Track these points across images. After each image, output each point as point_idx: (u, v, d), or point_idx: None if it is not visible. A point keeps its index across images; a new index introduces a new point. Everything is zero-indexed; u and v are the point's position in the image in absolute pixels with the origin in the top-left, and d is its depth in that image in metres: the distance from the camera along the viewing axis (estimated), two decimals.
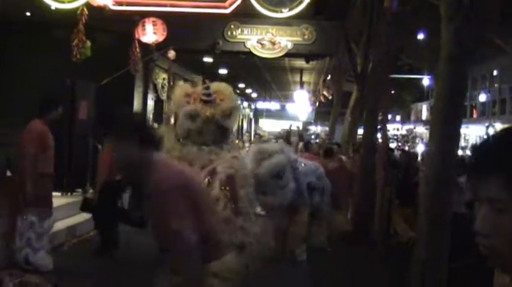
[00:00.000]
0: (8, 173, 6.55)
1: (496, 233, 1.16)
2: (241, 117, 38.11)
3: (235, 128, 5.63)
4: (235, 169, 4.59)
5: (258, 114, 42.45)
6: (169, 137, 4.74)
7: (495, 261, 1.21)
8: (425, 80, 31.31)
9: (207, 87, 4.73)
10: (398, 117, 62.99)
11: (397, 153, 16.03)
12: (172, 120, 5.16)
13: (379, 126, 10.13)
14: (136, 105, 11.80)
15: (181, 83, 4.65)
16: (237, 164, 4.70)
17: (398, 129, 58.97)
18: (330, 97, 23.44)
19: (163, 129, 5.53)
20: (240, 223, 4.40)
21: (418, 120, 58.57)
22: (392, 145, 31.16)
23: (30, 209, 6.01)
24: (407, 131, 56.90)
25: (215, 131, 4.70)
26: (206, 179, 4.44)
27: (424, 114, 56.19)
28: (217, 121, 4.65)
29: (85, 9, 8.07)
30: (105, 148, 7.90)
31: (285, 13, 6.99)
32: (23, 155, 5.86)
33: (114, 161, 7.60)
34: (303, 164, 7.74)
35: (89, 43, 8.50)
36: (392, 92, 38.68)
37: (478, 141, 1.37)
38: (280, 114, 37.29)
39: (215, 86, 4.92)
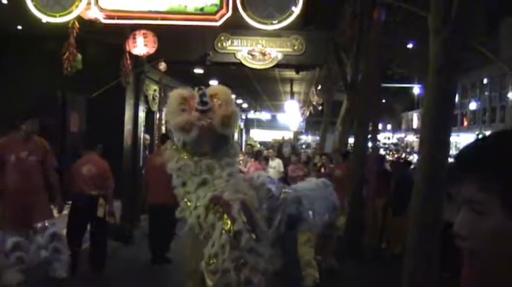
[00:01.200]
0: None
1: (474, 235, 1.16)
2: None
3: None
4: (243, 193, 4.48)
5: (249, 124, 42.50)
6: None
7: (473, 263, 1.22)
8: (416, 89, 31.59)
9: (203, 95, 4.45)
10: (389, 126, 63.26)
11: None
12: (163, 130, 5.14)
13: (369, 136, 10.20)
14: (128, 117, 11.81)
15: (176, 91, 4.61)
16: (241, 186, 4.60)
17: (389, 138, 59.21)
18: (320, 107, 23.54)
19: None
20: (261, 250, 4.34)
21: (409, 129, 58.91)
22: (383, 154, 31.34)
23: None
24: (398, 140, 57.14)
25: (214, 139, 4.54)
26: (214, 208, 4.41)
27: (415, 123, 56.52)
28: (215, 131, 4.44)
29: (76, 23, 8.10)
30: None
31: (275, 25, 7.05)
32: None
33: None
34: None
35: (79, 56, 8.53)
36: (383, 101, 39.01)
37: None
38: (271, 125, 37.36)
39: (212, 89, 4.71)
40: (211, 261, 4.29)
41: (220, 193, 4.49)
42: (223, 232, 4.30)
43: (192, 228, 4.52)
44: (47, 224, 6.41)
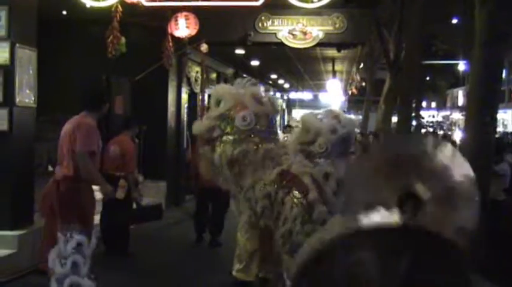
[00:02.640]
0: (50, 168, 6.55)
1: None
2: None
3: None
4: (309, 166, 4.75)
5: (290, 104, 42.41)
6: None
7: None
8: (461, 65, 30.76)
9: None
10: (433, 104, 62.09)
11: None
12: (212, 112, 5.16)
13: (413, 114, 10.08)
14: (171, 98, 11.95)
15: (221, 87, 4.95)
16: (305, 162, 4.89)
17: (434, 116, 58.14)
18: (364, 84, 23.28)
19: None
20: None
21: (454, 106, 57.62)
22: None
23: (75, 224, 5.15)
24: (444, 118, 56.05)
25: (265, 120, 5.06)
26: (282, 183, 4.55)
27: (461, 101, 55.22)
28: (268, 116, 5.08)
29: (119, 6, 8.21)
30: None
31: (316, 3, 7.00)
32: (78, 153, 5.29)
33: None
34: None
35: (123, 39, 8.65)
36: (427, 78, 38.28)
37: None
38: (313, 104, 37.13)
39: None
40: (286, 242, 4.39)
41: (287, 167, 4.68)
42: (294, 205, 4.40)
43: (255, 212, 4.66)
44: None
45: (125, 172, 7.47)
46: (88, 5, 7.54)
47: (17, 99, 6.67)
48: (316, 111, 6.87)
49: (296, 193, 4.45)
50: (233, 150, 4.82)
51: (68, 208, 5.20)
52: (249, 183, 4.75)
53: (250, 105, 4.95)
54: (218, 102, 5.05)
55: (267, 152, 4.87)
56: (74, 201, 5.25)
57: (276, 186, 4.56)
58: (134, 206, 8.06)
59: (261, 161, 4.78)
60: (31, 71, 6.96)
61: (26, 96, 6.83)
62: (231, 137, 4.88)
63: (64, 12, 10.97)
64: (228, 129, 4.89)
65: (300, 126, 6.91)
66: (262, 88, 5.52)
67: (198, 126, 5.20)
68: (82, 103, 5.63)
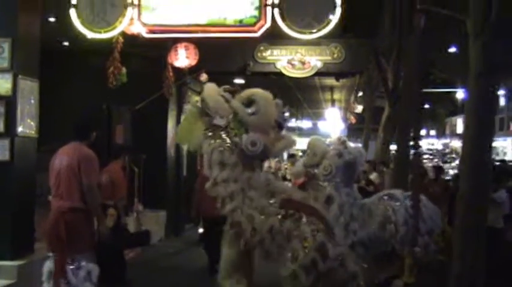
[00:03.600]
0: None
1: None
2: None
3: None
4: (309, 193, 4.62)
5: (290, 133, 42.51)
6: None
7: None
8: (460, 93, 30.93)
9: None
10: (432, 132, 62.27)
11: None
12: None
13: (411, 142, 10.10)
14: (171, 127, 12.03)
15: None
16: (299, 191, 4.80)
17: (433, 144, 58.25)
18: (356, 114, 23.39)
19: None
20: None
21: (453, 134, 57.83)
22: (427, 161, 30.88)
23: (85, 253, 5.34)
24: (443, 146, 56.17)
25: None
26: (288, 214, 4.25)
27: (460, 128, 55.42)
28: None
29: (120, 38, 8.34)
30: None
31: (313, 34, 7.12)
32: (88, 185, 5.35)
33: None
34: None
35: (124, 70, 8.77)
36: (426, 106, 38.43)
37: None
38: (312, 133, 37.20)
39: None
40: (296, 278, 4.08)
41: (287, 196, 4.44)
42: (309, 237, 4.12)
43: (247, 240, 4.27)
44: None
45: (115, 200, 7.50)
46: (89, 36, 7.66)
47: (19, 130, 6.74)
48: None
49: (304, 225, 4.17)
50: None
51: (78, 238, 5.27)
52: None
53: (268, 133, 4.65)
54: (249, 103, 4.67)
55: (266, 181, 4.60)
56: (82, 231, 5.32)
57: (280, 217, 4.26)
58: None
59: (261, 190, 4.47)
60: (33, 102, 7.04)
61: (27, 126, 6.91)
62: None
63: (65, 43, 11.13)
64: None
65: (308, 150, 6.99)
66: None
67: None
68: (71, 132, 5.71)
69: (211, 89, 4.70)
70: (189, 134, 4.70)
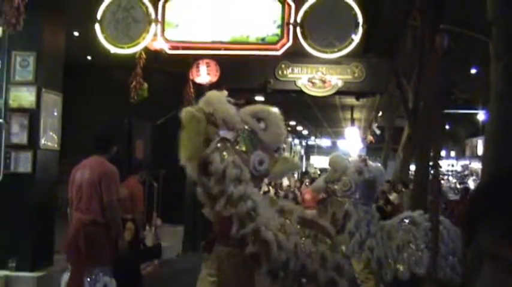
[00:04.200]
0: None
1: None
2: (292, 154, 38.26)
3: None
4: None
5: (309, 151, 42.46)
6: None
7: None
8: (481, 115, 30.66)
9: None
10: (452, 153, 61.67)
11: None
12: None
13: (431, 163, 10.02)
14: None
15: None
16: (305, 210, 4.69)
17: (453, 165, 57.64)
18: (378, 133, 23.31)
19: None
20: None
21: (474, 155, 57.13)
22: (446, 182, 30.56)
23: (102, 266, 5.45)
24: (462, 167, 55.56)
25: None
26: (309, 233, 4.15)
27: (480, 150, 54.74)
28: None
29: (143, 53, 8.44)
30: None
31: (335, 53, 7.14)
32: (108, 200, 5.49)
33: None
34: None
35: (146, 85, 8.85)
36: (447, 127, 38.16)
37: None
38: (331, 151, 37.06)
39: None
40: None
41: (303, 214, 4.28)
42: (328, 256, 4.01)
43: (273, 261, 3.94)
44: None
45: (133, 214, 7.54)
46: (112, 51, 7.76)
47: (42, 142, 6.83)
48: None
49: (323, 244, 4.08)
50: None
51: (96, 251, 5.35)
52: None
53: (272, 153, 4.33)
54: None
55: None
56: (101, 245, 5.38)
57: (300, 235, 4.06)
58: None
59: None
60: (56, 115, 7.14)
61: (50, 139, 7.00)
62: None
63: (89, 58, 11.29)
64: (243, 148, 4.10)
65: (329, 166, 6.97)
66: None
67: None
68: (92, 146, 5.79)
69: (221, 97, 4.19)
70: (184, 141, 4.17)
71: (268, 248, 3.87)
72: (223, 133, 4.01)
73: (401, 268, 6.30)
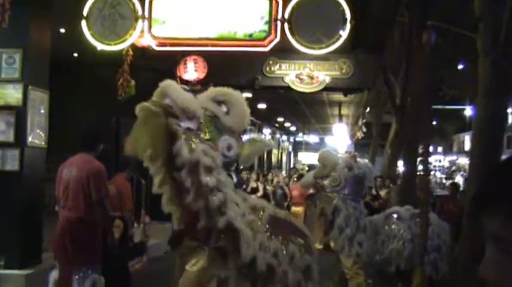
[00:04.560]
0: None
1: (503, 279, 0.92)
2: (280, 150, 38.28)
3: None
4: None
5: (297, 147, 42.51)
6: None
7: None
8: (468, 110, 30.84)
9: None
10: (440, 149, 62.02)
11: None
12: None
13: (419, 159, 10.07)
14: None
15: None
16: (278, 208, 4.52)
17: (440, 161, 58.00)
18: (365, 129, 23.40)
19: None
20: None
21: (461, 151, 57.48)
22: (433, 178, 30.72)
23: (91, 264, 5.42)
24: (450, 163, 55.91)
25: None
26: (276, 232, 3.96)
27: (467, 145, 55.07)
28: None
29: (130, 50, 8.39)
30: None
31: (323, 49, 7.14)
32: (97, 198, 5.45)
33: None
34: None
35: (133, 82, 8.81)
36: (434, 122, 38.38)
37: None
38: (319, 147, 37.17)
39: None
40: None
41: (275, 213, 4.08)
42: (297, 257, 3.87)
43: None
44: None
45: (121, 212, 7.50)
46: (99, 48, 7.72)
47: (29, 140, 6.78)
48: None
49: (294, 245, 3.91)
50: None
51: (84, 249, 5.33)
52: None
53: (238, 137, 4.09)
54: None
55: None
56: (89, 242, 5.36)
57: (268, 234, 3.90)
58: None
59: None
60: (42, 112, 7.09)
61: (37, 137, 6.95)
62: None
63: (75, 55, 11.21)
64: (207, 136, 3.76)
65: (318, 162, 6.99)
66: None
67: None
68: (79, 143, 5.75)
69: (176, 86, 3.80)
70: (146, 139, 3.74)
71: (238, 241, 3.69)
72: (184, 124, 3.66)
73: (385, 264, 6.35)
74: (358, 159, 6.82)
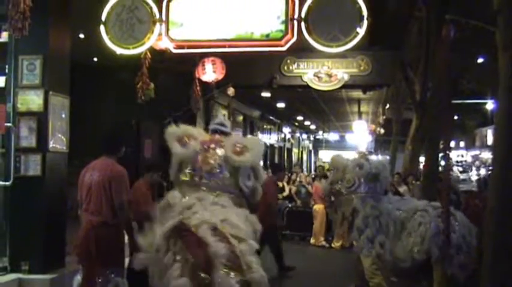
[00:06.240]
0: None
1: None
2: (300, 149, 38.22)
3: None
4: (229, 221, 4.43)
5: (317, 145, 42.40)
6: None
7: None
8: (489, 104, 30.43)
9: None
10: (462, 144, 61.36)
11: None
12: None
13: (441, 154, 9.97)
14: None
15: None
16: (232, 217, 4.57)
17: (462, 156, 57.39)
18: (383, 127, 23.25)
19: None
20: None
21: (484, 145, 56.75)
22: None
23: (114, 268, 5.45)
24: (472, 157, 55.28)
25: None
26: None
27: (490, 140, 54.31)
28: None
29: (148, 53, 8.44)
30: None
31: (340, 47, 7.10)
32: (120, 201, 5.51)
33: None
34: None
35: (152, 85, 8.86)
36: (455, 117, 38.00)
37: None
38: (339, 145, 37.09)
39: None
40: None
41: (186, 220, 4.07)
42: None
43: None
44: None
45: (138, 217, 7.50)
46: (118, 52, 7.77)
47: (50, 145, 6.85)
48: (343, 152, 7.01)
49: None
50: None
51: (107, 253, 5.36)
52: None
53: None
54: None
55: None
56: (112, 246, 5.41)
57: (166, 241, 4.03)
58: None
59: None
60: (64, 117, 7.17)
61: (58, 141, 7.02)
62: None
63: (95, 59, 11.31)
64: None
65: (331, 167, 7.05)
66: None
67: None
68: (101, 147, 5.81)
69: None
70: None
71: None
72: None
73: (410, 260, 6.30)
74: (371, 157, 6.89)
